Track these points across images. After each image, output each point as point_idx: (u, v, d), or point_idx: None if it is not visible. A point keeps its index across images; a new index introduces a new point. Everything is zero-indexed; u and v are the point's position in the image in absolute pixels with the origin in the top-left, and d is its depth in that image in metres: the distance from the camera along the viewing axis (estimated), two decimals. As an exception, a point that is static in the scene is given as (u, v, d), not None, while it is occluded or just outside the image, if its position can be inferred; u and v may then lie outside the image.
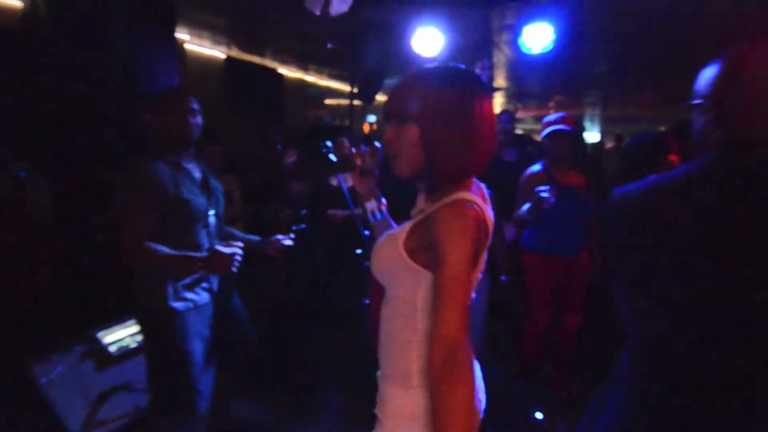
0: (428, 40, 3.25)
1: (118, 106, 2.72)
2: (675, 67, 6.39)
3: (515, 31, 3.02)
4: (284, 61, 6.30)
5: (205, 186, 1.88)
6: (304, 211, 2.46)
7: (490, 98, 1.04)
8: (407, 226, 1.05)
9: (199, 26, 4.74)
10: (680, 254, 0.91)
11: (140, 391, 2.20)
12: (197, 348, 1.85)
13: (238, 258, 1.68)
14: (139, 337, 2.33)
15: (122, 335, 2.35)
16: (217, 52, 5.37)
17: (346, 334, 2.85)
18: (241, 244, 1.72)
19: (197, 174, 1.87)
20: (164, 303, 1.76)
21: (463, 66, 1.05)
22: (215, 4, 4.19)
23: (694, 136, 1.01)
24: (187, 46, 4.95)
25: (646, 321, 1.00)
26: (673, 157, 2.29)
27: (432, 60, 3.52)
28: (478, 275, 1.06)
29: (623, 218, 1.03)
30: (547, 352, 2.81)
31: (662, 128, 10.35)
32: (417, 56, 3.97)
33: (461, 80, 1.01)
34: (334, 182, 2.86)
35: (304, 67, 6.71)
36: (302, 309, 2.63)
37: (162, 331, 1.78)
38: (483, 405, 1.11)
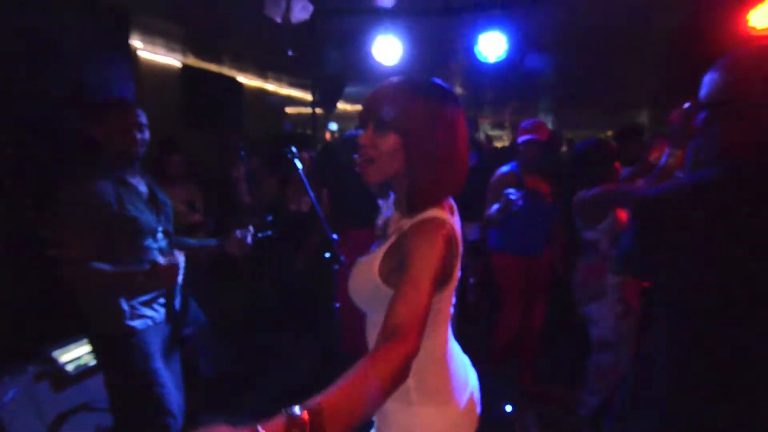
0: (388, 49, 3.32)
1: (70, 117, 2.62)
2: (619, 76, 6.81)
3: (471, 40, 3.14)
4: (243, 69, 6.20)
5: (152, 201, 1.83)
6: (269, 218, 2.44)
7: (463, 118, 1.05)
8: (381, 249, 1.03)
9: (152, 33, 4.60)
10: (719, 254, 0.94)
11: (102, 411, 2.10)
12: (160, 366, 1.80)
13: (180, 269, 1.66)
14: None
15: (79, 353, 2.25)
16: (172, 60, 5.23)
17: (318, 341, 2.84)
18: (181, 256, 1.71)
19: (143, 189, 1.82)
20: (121, 323, 1.70)
21: (441, 82, 1.04)
22: (170, 10, 4.09)
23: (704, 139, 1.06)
24: (141, 54, 4.80)
25: (684, 319, 1.02)
26: (617, 164, 2.45)
27: (392, 68, 3.59)
28: (452, 293, 1.06)
29: (654, 221, 1.06)
30: (512, 348, 2.91)
31: (609, 132, 10.97)
32: (378, 65, 4.04)
33: (446, 96, 1.01)
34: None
35: (263, 75, 6.63)
36: (272, 318, 2.60)
37: (121, 352, 1.71)
38: (479, 409, 1.16)
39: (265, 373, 2.64)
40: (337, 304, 2.07)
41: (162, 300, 1.85)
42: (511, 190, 2.25)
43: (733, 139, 0.99)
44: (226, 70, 6.01)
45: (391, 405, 1.06)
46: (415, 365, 0.90)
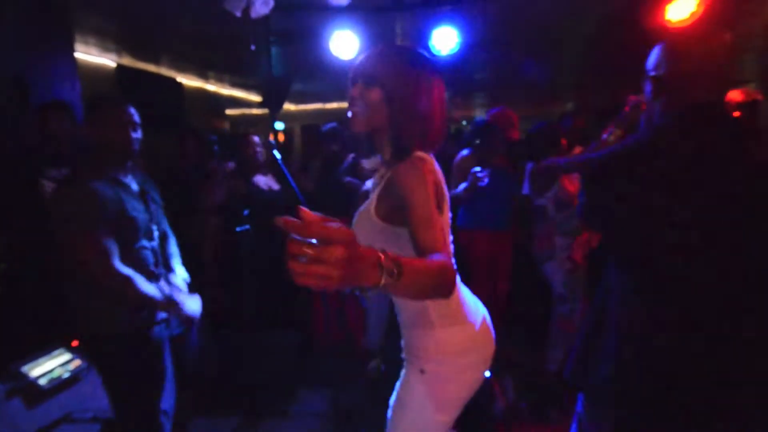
0: (345, 44, 3.39)
1: (12, 117, 2.46)
2: (548, 69, 7.33)
3: (424, 35, 3.30)
4: (182, 69, 5.97)
5: (144, 199, 1.80)
6: (246, 212, 2.43)
7: (443, 85, 1.19)
8: (374, 195, 1.18)
9: (84, 31, 4.32)
10: (654, 198, 1.10)
11: (84, 422, 2.01)
12: (158, 365, 1.79)
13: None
14: (74, 365, 2.14)
15: (51, 366, 2.12)
16: (106, 60, 4.93)
17: (296, 334, 2.86)
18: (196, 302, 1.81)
19: (135, 187, 1.79)
20: (122, 321, 1.68)
21: (426, 53, 1.20)
22: (103, 7, 3.87)
23: (646, 103, 1.24)
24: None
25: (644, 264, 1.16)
26: (563, 141, 2.80)
27: (346, 63, 3.67)
28: (448, 220, 1.20)
29: (601, 179, 1.22)
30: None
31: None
32: (330, 61, 4.09)
33: (427, 63, 1.17)
34: (261, 181, 2.86)
35: (204, 75, 6.42)
36: (251, 313, 2.59)
37: (122, 351, 1.69)
38: (493, 330, 1.30)
39: (244, 370, 2.63)
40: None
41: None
42: (476, 168, 2.42)
43: (672, 105, 1.17)
44: (165, 70, 5.76)
45: (415, 331, 1.23)
46: None
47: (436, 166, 1.16)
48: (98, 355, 1.77)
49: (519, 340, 3.13)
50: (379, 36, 3.52)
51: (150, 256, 1.79)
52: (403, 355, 1.29)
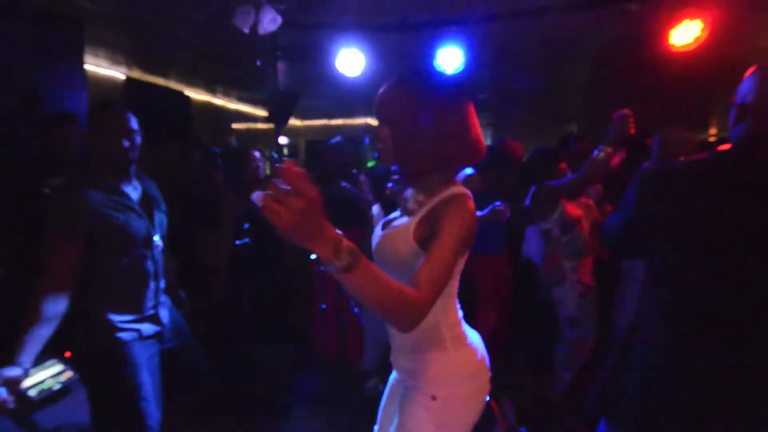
0: (351, 61, 3.43)
1: (23, 128, 2.48)
2: (552, 92, 7.40)
3: (430, 54, 3.34)
4: (190, 83, 6.05)
5: (145, 206, 1.79)
6: (246, 226, 2.42)
7: (461, 103, 1.18)
8: (414, 219, 1.17)
9: (94, 44, 4.40)
10: (708, 221, 1.08)
11: (74, 435, 1.97)
12: (146, 380, 1.75)
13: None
14: (65, 377, 2.11)
15: (42, 377, 2.08)
16: (115, 73, 5.01)
17: (292, 350, 2.82)
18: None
19: (136, 196, 1.77)
20: (108, 334, 1.66)
21: (442, 75, 1.23)
22: (113, 19, 3.95)
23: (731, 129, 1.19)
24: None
25: (681, 283, 1.15)
26: (563, 165, 2.79)
27: (350, 80, 3.71)
28: (462, 262, 1.19)
29: (662, 191, 1.18)
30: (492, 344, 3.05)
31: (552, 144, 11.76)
32: (336, 77, 4.14)
33: (431, 86, 1.17)
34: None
35: (211, 89, 6.51)
36: (248, 328, 2.56)
37: (107, 364, 1.67)
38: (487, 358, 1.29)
39: (238, 385, 2.59)
40: (323, 306, 2.10)
41: (150, 313, 1.80)
42: (497, 203, 2.42)
43: (755, 132, 1.13)
44: (173, 84, 5.84)
45: (427, 355, 1.22)
46: (450, 319, 1.22)
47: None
48: (84, 366, 1.74)
49: (518, 364, 3.08)
50: (384, 54, 3.56)
51: (150, 266, 1.77)
52: (406, 382, 1.26)
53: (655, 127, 2.68)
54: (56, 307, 1.52)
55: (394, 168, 1.27)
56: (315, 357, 3.04)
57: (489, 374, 1.28)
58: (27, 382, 2.03)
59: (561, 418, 2.57)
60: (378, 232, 1.29)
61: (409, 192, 1.24)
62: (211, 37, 4.46)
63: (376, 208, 2.79)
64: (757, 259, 1.04)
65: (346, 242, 0.82)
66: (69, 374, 2.13)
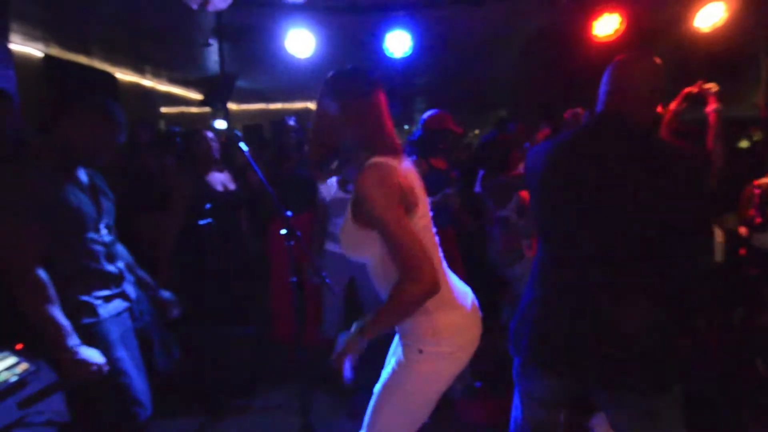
0: (301, 42, 3.43)
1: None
2: (484, 78, 7.77)
3: (378, 37, 3.43)
4: (116, 62, 5.64)
5: (92, 191, 1.75)
6: (208, 206, 2.40)
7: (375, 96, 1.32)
8: (349, 204, 1.31)
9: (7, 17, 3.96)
10: (566, 180, 1.35)
11: (39, 425, 1.88)
12: (122, 355, 1.74)
13: (99, 370, 1.58)
14: (21, 369, 2.00)
15: (-5, 371, 1.97)
16: (31, 50, 4.56)
17: (251, 329, 2.85)
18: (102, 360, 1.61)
19: (84, 178, 1.74)
20: (75, 314, 1.62)
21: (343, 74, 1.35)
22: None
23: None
24: (-10, 41, 4.09)
25: (549, 227, 1.43)
26: (515, 154, 3.04)
27: (300, 62, 3.71)
28: (426, 215, 1.34)
29: (534, 167, 1.46)
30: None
31: (476, 131, 12.34)
32: (276, 60, 4.08)
33: (350, 82, 1.31)
34: (217, 180, 2.83)
35: (140, 69, 6.10)
36: (208, 308, 2.54)
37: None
38: (480, 312, 1.44)
39: (202, 366, 2.59)
40: (293, 279, 2.16)
41: (116, 291, 1.77)
42: (447, 190, 2.57)
43: (601, 111, 1.41)
44: (98, 63, 5.41)
45: (416, 317, 1.31)
46: None
47: (403, 167, 1.27)
48: (45, 352, 1.69)
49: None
50: (330, 37, 3.59)
51: (100, 249, 1.73)
52: (400, 340, 1.39)
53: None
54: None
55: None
56: (275, 334, 3.08)
57: (477, 332, 1.39)
58: (-22, 376, 1.93)
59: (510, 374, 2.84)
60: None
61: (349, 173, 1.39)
62: (141, 12, 4.19)
63: (332, 184, 2.85)
64: (596, 213, 1.31)
65: (353, 333, 1.27)
66: (24, 366, 2.03)
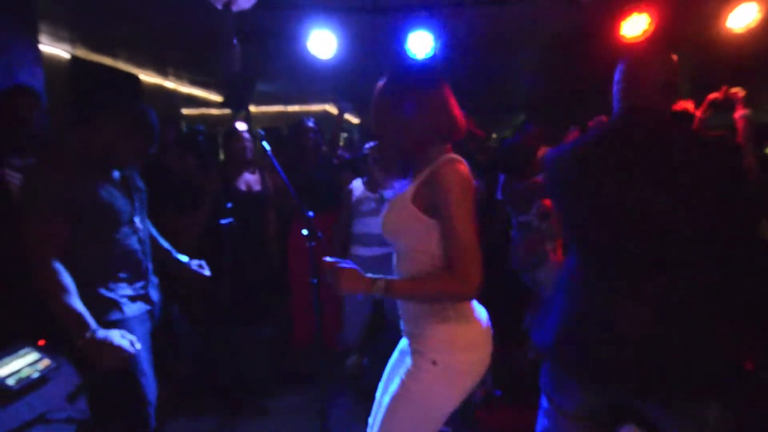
0: (323, 43, 3.43)
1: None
2: (503, 81, 7.68)
3: (400, 38, 3.40)
4: (140, 64, 5.73)
5: (125, 186, 1.76)
6: (229, 205, 2.39)
7: (425, 90, 1.29)
8: (412, 187, 1.29)
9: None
10: (602, 184, 1.29)
11: (59, 422, 1.89)
12: (144, 355, 1.75)
13: (128, 352, 1.51)
14: (43, 365, 2.02)
15: (19, 366, 1.98)
16: (59, 51, 4.66)
17: (271, 331, 2.84)
18: (136, 347, 1.56)
19: (116, 174, 1.74)
20: (103, 309, 1.62)
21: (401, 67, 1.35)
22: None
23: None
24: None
25: (587, 236, 1.37)
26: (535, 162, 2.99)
27: (322, 63, 3.70)
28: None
29: (560, 171, 1.41)
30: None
31: (494, 135, 12.25)
32: (294, 62, 4.07)
33: (394, 82, 1.31)
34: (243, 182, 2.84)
35: (163, 71, 6.19)
36: (228, 308, 2.54)
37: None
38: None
39: (220, 366, 2.58)
40: (314, 280, 2.14)
41: (141, 292, 1.78)
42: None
43: (626, 104, 1.35)
44: (122, 65, 5.50)
45: (433, 324, 1.29)
46: None
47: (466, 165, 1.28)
48: (70, 350, 1.70)
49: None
50: (351, 38, 3.58)
51: (137, 245, 1.74)
52: (410, 345, 1.35)
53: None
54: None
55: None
56: (295, 335, 3.06)
57: (489, 350, 1.35)
58: (3, 371, 1.95)
59: (532, 382, 2.77)
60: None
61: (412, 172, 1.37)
62: (164, 14, 4.24)
63: (357, 184, 2.85)
64: (627, 217, 1.26)
65: (375, 279, 1.21)
66: (46, 362, 2.05)
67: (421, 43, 3.36)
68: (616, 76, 1.37)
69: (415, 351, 1.33)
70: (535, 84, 7.28)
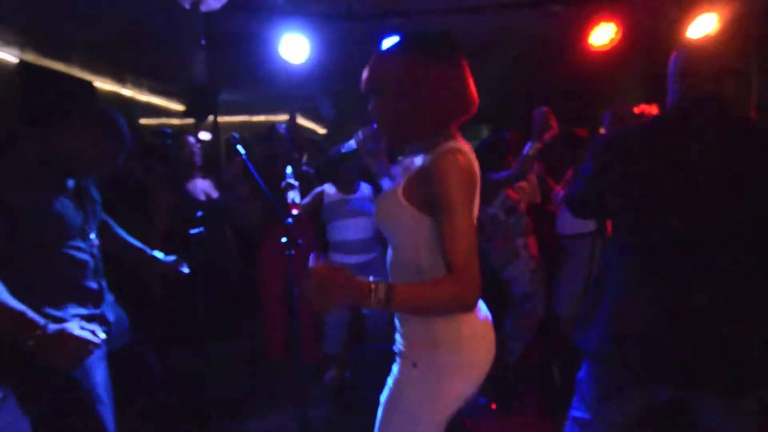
0: (295, 48, 3.34)
1: None
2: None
3: (374, 44, 3.35)
4: (96, 71, 5.42)
5: (78, 196, 1.60)
6: (199, 213, 2.24)
7: (443, 61, 1.16)
8: (405, 178, 1.19)
9: (-22, 19, 3.76)
10: (648, 177, 1.26)
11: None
12: (99, 382, 1.57)
13: (93, 344, 1.33)
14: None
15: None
16: (5, 55, 4.33)
17: (245, 345, 2.68)
18: (99, 337, 1.38)
19: (70, 181, 1.58)
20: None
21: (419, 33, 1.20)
22: (5, -7, 3.41)
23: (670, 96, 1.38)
24: (-40, 44, 3.89)
25: (651, 224, 1.30)
26: (510, 156, 3.01)
27: (298, 67, 3.61)
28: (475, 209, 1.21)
29: (607, 154, 1.35)
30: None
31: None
32: (260, 71, 3.93)
33: (416, 46, 1.16)
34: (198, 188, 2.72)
35: (120, 78, 5.89)
36: (200, 323, 2.36)
37: (50, 368, 1.44)
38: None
39: (193, 385, 2.40)
40: (295, 291, 2.02)
41: (95, 312, 1.60)
42: None
43: (682, 95, 1.34)
44: (76, 71, 5.18)
45: (414, 323, 1.21)
46: None
47: (473, 155, 1.17)
48: (13, 376, 1.50)
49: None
50: (327, 43, 3.51)
51: (87, 260, 1.58)
52: (403, 350, 1.25)
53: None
54: None
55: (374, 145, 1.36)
56: (271, 350, 2.90)
57: (481, 354, 1.23)
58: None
59: (513, 386, 2.73)
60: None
61: (412, 158, 1.24)
62: (123, 18, 4.03)
63: (331, 189, 2.76)
64: (693, 205, 1.24)
65: (373, 284, 0.99)
66: (-8, 393, 1.83)
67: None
68: (671, 68, 1.35)
69: (399, 353, 1.25)
70: (503, 93, 7.41)
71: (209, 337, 2.41)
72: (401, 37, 1.19)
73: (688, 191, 1.23)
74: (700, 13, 3.19)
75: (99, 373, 1.57)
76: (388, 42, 3.37)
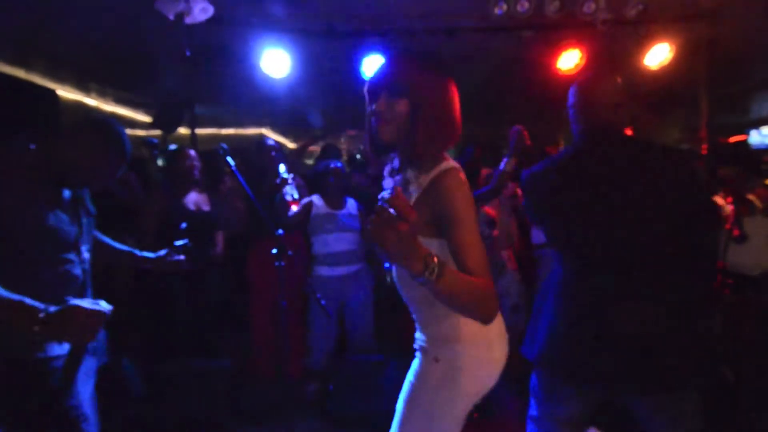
0: (276, 62, 3.36)
1: None
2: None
3: (354, 61, 3.44)
4: (60, 79, 5.22)
5: (74, 208, 1.56)
6: (183, 225, 2.20)
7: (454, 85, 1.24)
8: (412, 200, 1.20)
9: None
10: (569, 203, 1.43)
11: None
12: (85, 397, 1.52)
13: (101, 320, 1.25)
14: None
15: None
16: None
17: (230, 362, 2.62)
18: (106, 307, 1.29)
19: (66, 194, 1.54)
20: (34, 346, 1.40)
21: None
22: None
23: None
24: None
25: (575, 242, 1.45)
26: (483, 172, 3.14)
27: (269, 81, 3.63)
28: None
29: (534, 189, 1.54)
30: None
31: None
32: (231, 83, 3.91)
33: (440, 65, 1.22)
34: (191, 201, 2.68)
35: (84, 87, 5.68)
36: (184, 338, 2.30)
37: (35, 383, 1.39)
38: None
39: (175, 404, 2.32)
40: (285, 302, 2.02)
41: None
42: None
43: (585, 126, 1.50)
44: (38, 78, 4.97)
45: (439, 321, 1.25)
46: None
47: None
48: (9, 386, 1.43)
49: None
50: (307, 60, 3.56)
51: (79, 273, 1.53)
52: (425, 345, 1.29)
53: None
54: None
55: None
56: (255, 367, 2.84)
57: (498, 353, 1.28)
58: None
59: (496, 393, 2.80)
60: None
61: (409, 174, 1.25)
62: (90, 25, 3.92)
63: (319, 201, 2.78)
64: (608, 224, 1.40)
65: (433, 256, 0.92)
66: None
67: (372, 67, 3.42)
68: (570, 99, 1.49)
69: (421, 348, 1.29)
70: (469, 115, 7.65)
71: (192, 353, 2.36)
72: (425, 53, 1.23)
73: (604, 212, 1.39)
74: (654, 43, 3.49)
75: (86, 390, 1.52)
76: (371, 60, 3.47)
